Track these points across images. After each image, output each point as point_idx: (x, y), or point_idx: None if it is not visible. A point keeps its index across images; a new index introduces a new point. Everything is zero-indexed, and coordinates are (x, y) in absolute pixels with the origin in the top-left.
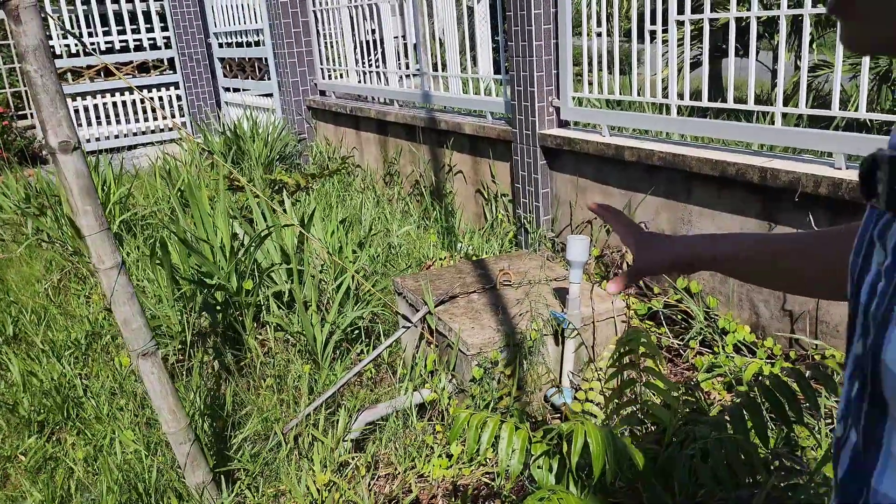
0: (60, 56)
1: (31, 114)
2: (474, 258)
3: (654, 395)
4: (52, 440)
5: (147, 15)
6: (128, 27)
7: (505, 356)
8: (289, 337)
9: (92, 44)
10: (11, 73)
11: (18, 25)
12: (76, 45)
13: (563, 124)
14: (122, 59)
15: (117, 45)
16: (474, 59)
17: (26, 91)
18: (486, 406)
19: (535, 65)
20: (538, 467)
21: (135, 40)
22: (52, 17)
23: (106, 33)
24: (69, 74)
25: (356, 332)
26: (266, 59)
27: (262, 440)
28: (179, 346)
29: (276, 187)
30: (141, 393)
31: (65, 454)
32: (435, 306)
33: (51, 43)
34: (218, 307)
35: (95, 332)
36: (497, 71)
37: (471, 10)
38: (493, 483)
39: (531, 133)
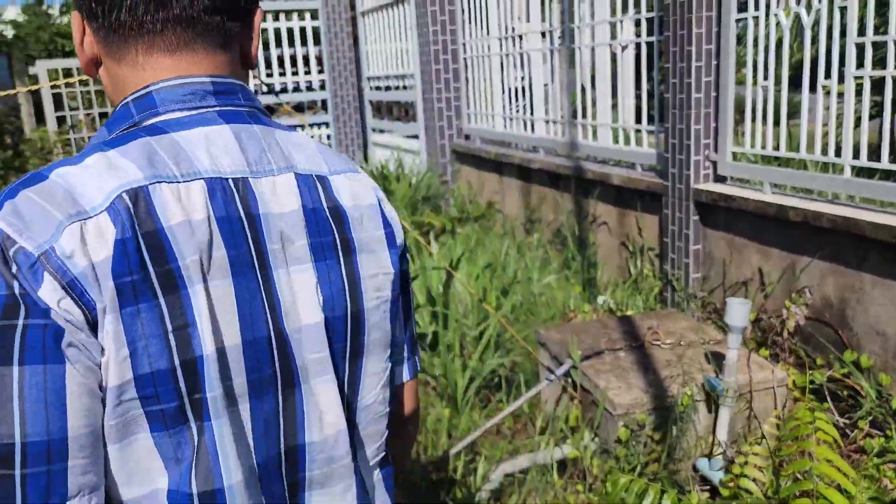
0: None
1: None
2: (619, 313)
3: (821, 479)
4: None
5: (306, 59)
6: (288, 70)
7: (653, 419)
8: (429, 379)
9: (256, 84)
10: None
11: None
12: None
13: (719, 179)
14: (282, 99)
15: (277, 86)
16: (614, 106)
17: None
18: (632, 469)
19: (693, 117)
20: None
21: (293, 82)
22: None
23: (269, 75)
24: None
25: (496, 379)
26: (414, 102)
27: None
28: None
29: (423, 229)
30: None
31: None
32: (581, 361)
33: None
34: None
35: None
36: (640, 120)
37: (613, 55)
38: None
39: (684, 187)
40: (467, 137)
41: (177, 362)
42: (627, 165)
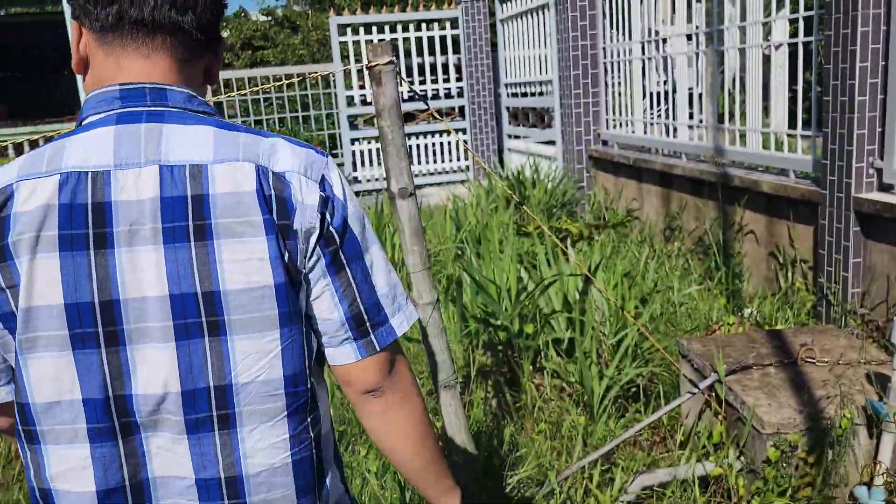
0: (369, 103)
1: (341, 153)
2: (766, 327)
3: None
4: (350, 449)
5: (445, 67)
6: (428, 78)
7: (806, 441)
8: (565, 386)
9: (410, 92)
10: (329, 117)
11: (379, 87)
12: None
13: (884, 188)
14: (421, 106)
15: (417, 94)
16: (766, 110)
17: (339, 133)
18: (782, 493)
19: (856, 122)
20: None
21: (432, 90)
22: (403, 79)
23: (410, 83)
24: (375, 119)
25: (633, 389)
26: (551, 108)
27: (535, 485)
28: (461, 380)
29: (560, 235)
30: None
31: (359, 464)
32: (726, 375)
33: (359, 93)
34: (500, 347)
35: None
36: (794, 124)
37: (766, 57)
38: None
39: (844, 196)
40: (605, 143)
41: (7, 310)
42: (778, 172)
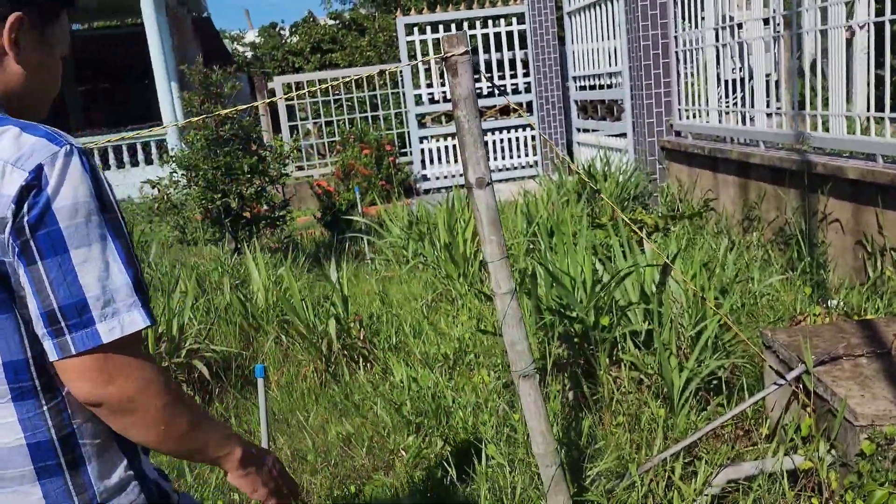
0: (437, 102)
1: (410, 151)
2: (855, 318)
3: None
4: (427, 440)
5: (512, 63)
6: (495, 74)
7: None
8: (643, 378)
9: (489, 87)
10: (397, 116)
11: (455, 77)
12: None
13: None
14: (488, 102)
15: (485, 91)
16: (848, 94)
17: (408, 132)
18: (880, 486)
19: None
20: None
21: (500, 86)
22: (483, 74)
23: (477, 80)
24: (443, 117)
25: (714, 382)
26: (621, 100)
27: (615, 477)
28: (537, 373)
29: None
30: (501, 412)
31: (435, 455)
32: (815, 366)
33: (426, 91)
34: (576, 339)
35: (461, 349)
36: (881, 108)
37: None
38: None
39: None
40: (678, 134)
41: None
42: (865, 157)
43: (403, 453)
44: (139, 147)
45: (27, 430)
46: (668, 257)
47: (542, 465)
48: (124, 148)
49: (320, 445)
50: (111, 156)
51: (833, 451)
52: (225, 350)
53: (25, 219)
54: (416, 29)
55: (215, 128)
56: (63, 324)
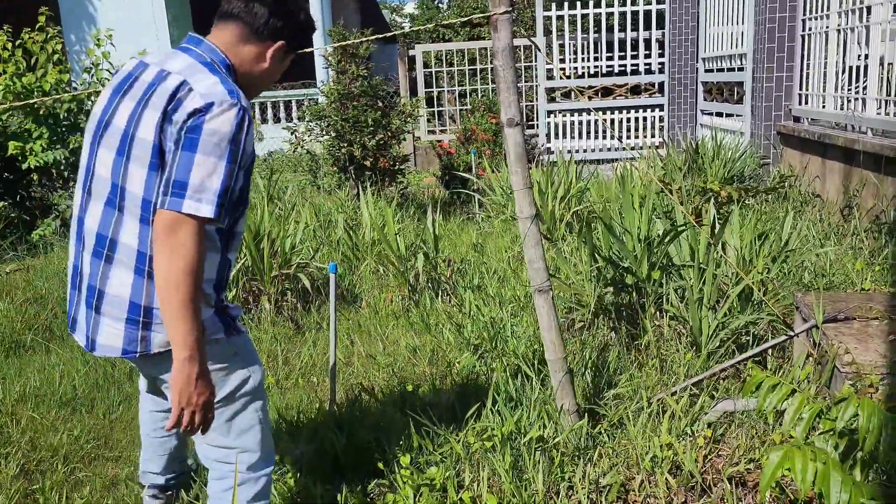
0: (570, 76)
1: (536, 124)
2: None
3: None
4: (482, 361)
5: (647, 42)
6: (628, 53)
7: (886, 385)
8: (683, 330)
9: (596, 67)
10: (529, 91)
11: (496, 32)
12: (583, 68)
13: None
14: (619, 81)
15: (616, 69)
16: None
17: (536, 105)
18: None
19: None
20: (823, 441)
21: (632, 65)
22: (534, 43)
23: (609, 58)
24: (572, 94)
25: (747, 338)
26: (743, 82)
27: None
28: (589, 316)
29: (707, 196)
30: None
31: (489, 373)
32: (823, 322)
33: (563, 66)
34: (626, 289)
35: (530, 292)
36: None
37: None
38: None
39: None
40: (796, 119)
41: None
42: None
43: (457, 365)
44: (294, 104)
45: (142, 243)
46: (725, 223)
47: (552, 371)
48: (281, 104)
49: (391, 353)
50: (269, 110)
51: (822, 396)
52: (326, 267)
53: (187, 124)
54: (553, 4)
55: (348, 83)
56: (169, 189)
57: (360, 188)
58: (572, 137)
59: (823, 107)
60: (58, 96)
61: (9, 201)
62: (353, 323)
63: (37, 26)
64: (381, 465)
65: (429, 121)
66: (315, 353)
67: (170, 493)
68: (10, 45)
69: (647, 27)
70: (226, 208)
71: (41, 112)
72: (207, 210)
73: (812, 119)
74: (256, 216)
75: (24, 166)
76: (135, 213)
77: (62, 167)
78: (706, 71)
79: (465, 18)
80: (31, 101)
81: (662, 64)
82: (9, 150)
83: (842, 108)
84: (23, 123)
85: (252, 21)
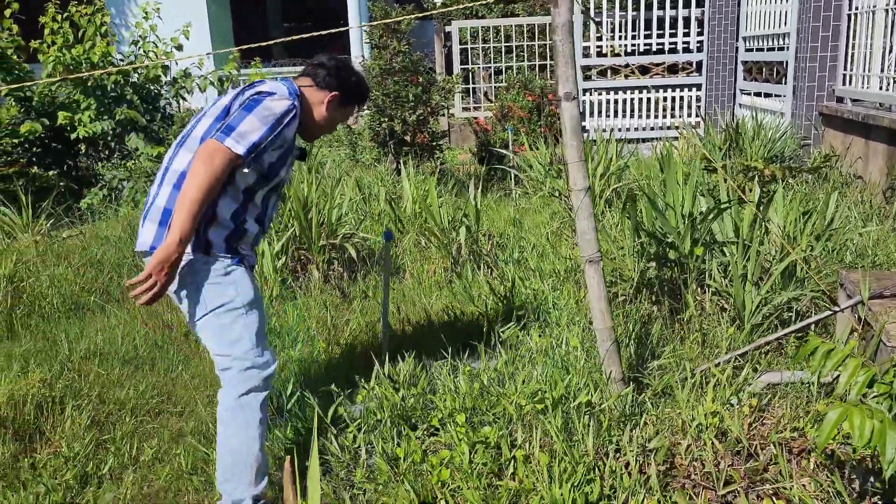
0: (605, 55)
1: None
2: None
3: None
4: (524, 332)
5: (686, 20)
6: (667, 31)
7: None
8: (726, 306)
9: (633, 45)
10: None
11: (555, 8)
12: (620, 46)
13: None
14: (656, 59)
15: (654, 47)
16: None
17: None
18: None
19: None
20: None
21: (670, 43)
22: (590, 17)
23: (647, 36)
24: (609, 72)
25: (790, 315)
26: (786, 62)
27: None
28: (631, 290)
29: (750, 175)
30: (591, 316)
31: (528, 340)
32: (868, 298)
33: (595, 44)
34: (668, 264)
35: (572, 268)
36: None
37: None
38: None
39: None
40: (839, 100)
41: None
42: None
43: (501, 334)
44: None
45: (186, 167)
46: (770, 200)
47: (599, 340)
48: None
49: (434, 319)
50: None
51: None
52: (373, 239)
53: (253, 97)
54: None
55: (389, 58)
56: (223, 127)
57: (399, 163)
58: (608, 116)
59: (868, 87)
60: (125, 68)
61: (57, 171)
62: (397, 292)
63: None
64: (436, 422)
65: (463, 98)
66: (363, 320)
67: None
68: (59, 17)
69: (687, 5)
70: (252, 158)
71: (89, 83)
72: (240, 149)
73: (855, 100)
74: (304, 188)
75: (73, 136)
76: (191, 148)
77: (108, 137)
78: (746, 50)
79: None
80: (93, 73)
81: (701, 43)
82: (58, 119)
83: (887, 89)
84: (71, 94)
85: (315, 76)
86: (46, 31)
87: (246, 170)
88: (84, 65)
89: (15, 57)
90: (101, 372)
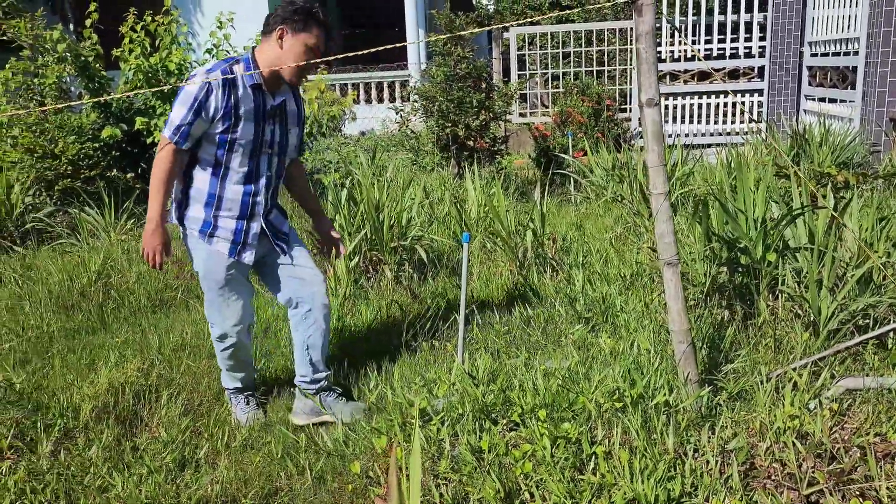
0: (664, 60)
1: (630, 108)
2: None
3: None
4: (593, 334)
5: (748, 25)
6: (728, 36)
7: None
8: (799, 312)
9: (693, 50)
10: (622, 75)
11: (639, 16)
12: (679, 52)
13: None
14: (716, 65)
15: (715, 52)
16: None
17: (630, 89)
18: None
19: None
20: None
21: (731, 48)
22: (668, 20)
23: (708, 41)
24: (667, 77)
25: (866, 322)
26: (855, 67)
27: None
28: (701, 295)
29: (823, 181)
30: (659, 320)
31: (596, 342)
32: None
33: (670, 49)
34: (739, 269)
35: (638, 272)
36: None
37: None
38: None
39: None
40: None
41: None
42: None
43: (572, 337)
44: (385, 86)
45: None
46: (845, 206)
47: (675, 342)
48: (373, 85)
49: (506, 322)
50: (361, 91)
51: None
52: (442, 241)
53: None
54: None
55: (453, 65)
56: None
57: (461, 167)
58: (670, 121)
59: None
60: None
61: (133, 173)
62: (466, 294)
63: (163, 10)
64: (516, 417)
65: (519, 103)
66: (437, 319)
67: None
68: (137, 27)
69: (749, 10)
70: (196, 136)
71: (166, 90)
72: (167, 133)
73: None
74: (374, 191)
75: (149, 141)
76: None
77: None
78: (812, 55)
79: (611, 3)
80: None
81: (763, 48)
82: (136, 124)
83: None
84: (148, 101)
85: (265, 28)
86: (126, 41)
87: (204, 145)
88: (161, 72)
89: (96, 65)
90: (191, 364)
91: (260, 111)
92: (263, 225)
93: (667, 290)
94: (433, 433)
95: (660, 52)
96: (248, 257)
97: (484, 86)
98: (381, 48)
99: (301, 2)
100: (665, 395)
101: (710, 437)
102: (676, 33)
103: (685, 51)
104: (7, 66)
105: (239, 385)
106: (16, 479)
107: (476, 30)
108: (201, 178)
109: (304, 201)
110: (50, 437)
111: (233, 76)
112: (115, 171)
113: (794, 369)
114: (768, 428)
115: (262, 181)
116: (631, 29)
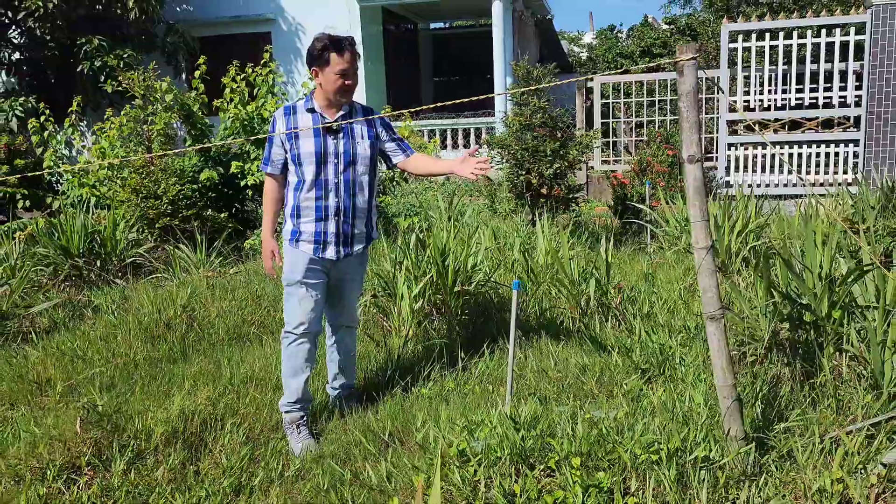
0: (753, 109)
1: (716, 157)
2: None
3: None
4: (649, 385)
5: (843, 74)
6: (821, 85)
7: None
8: (864, 372)
9: (783, 99)
10: (709, 123)
11: (681, 77)
12: (769, 101)
13: None
14: (809, 114)
15: (807, 101)
16: None
17: (716, 137)
18: None
19: None
20: None
21: (825, 98)
22: (717, 85)
23: (799, 90)
24: (757, 126)
25: None
26: None
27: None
28: (762, 350)
29: None
30: None
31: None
32: None
33: (742, 98)
34: (803, 326)
35: (702, 325)
36: None
37: None
38: None
39: None
40: None
41: None
42: None
43: (625, 387)
44: (472, 132)
45: None
46: None
47: (721, 396)
48: (460, 131)
49: (562, 369)
50: (448, 137)
51: None
52: (506, 286)
53: None
54: (740, 36)
55: (529, 115)
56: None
57: (535, 214)
58: (754, 171)
59: None
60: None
61: (226, 213)
62: (526, 340)
63: (262, 62)
64: (552, 463)
65: (603, 150)
66: (491, 363)
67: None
68: (238, 78)
69: (844, 59)
70: (264, 163)
71: (259, 135)
72: (262, 167)
73: None
74: (442, 237)
75: (242, 183)
76: None
77: None
78: None
79: (653, 65)
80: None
81: (859, 97)
82: (231, 168)
83: None
84: (243, 146)
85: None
86: (227, 91)
87: (291, 169)
88: (255, 120)
89: (199, 113)
90: (256, 395)
91: (315, 133)
92: (343, 231)
93: (710, 345)
94: (469, 474)
95: (747, 101)
96: (331, 252)
97: (559, 135)
98: (464, 100)
99: (316, 43)
100: (707, 450)
101: (748, 496)
102: (745, 82)
103: (775, 100)
104: (122, 113)
105: (291, 399)
106: (89, 494)
107: (553, 83)
108: (289, 196)
109: (430, 172)
110: (123, 457)
111: (292, 104)
112: (210, 210)
113: (850, 432)
114: (811, 489)
115: (331, 186)
116: (717, 79)
